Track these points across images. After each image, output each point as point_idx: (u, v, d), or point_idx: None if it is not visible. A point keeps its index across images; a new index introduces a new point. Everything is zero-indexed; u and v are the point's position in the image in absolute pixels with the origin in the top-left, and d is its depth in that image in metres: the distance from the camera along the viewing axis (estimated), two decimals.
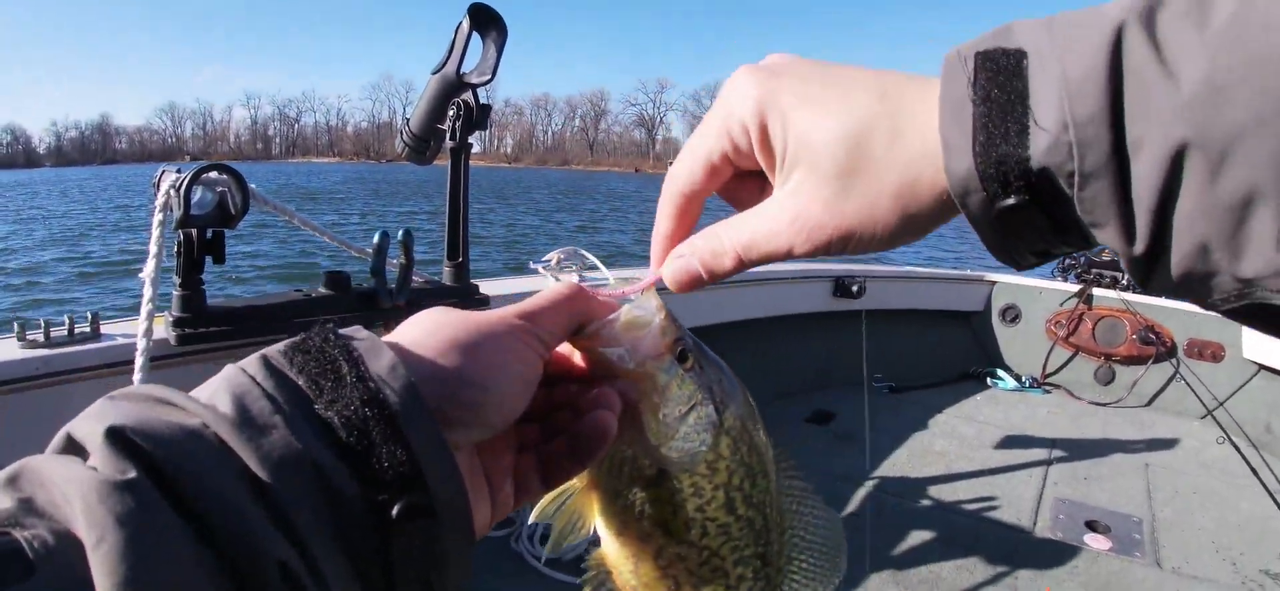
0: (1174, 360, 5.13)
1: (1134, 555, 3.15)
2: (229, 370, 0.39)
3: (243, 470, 0.35)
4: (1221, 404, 4.63)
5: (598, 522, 0.62)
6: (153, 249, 1.89)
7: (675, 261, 0.54)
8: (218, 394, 0.38)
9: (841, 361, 4.85)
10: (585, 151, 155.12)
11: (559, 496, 0.61)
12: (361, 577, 0.38)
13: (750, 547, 0.63)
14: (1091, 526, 3.33)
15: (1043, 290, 5.50)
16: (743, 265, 0.50)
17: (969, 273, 5.74)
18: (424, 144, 2.48)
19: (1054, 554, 3.08)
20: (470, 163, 2.56)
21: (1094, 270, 5.56)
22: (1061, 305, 5.42)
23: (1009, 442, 4.22)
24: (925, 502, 3.38)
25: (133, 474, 0.32)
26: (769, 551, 0.65)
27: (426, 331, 0.46)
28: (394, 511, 0.38)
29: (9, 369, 1.89)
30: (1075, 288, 5.41)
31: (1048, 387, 5.39)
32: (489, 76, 2.30)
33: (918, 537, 3.01)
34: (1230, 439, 4.06)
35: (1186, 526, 3.46)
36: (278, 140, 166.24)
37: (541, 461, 0.53)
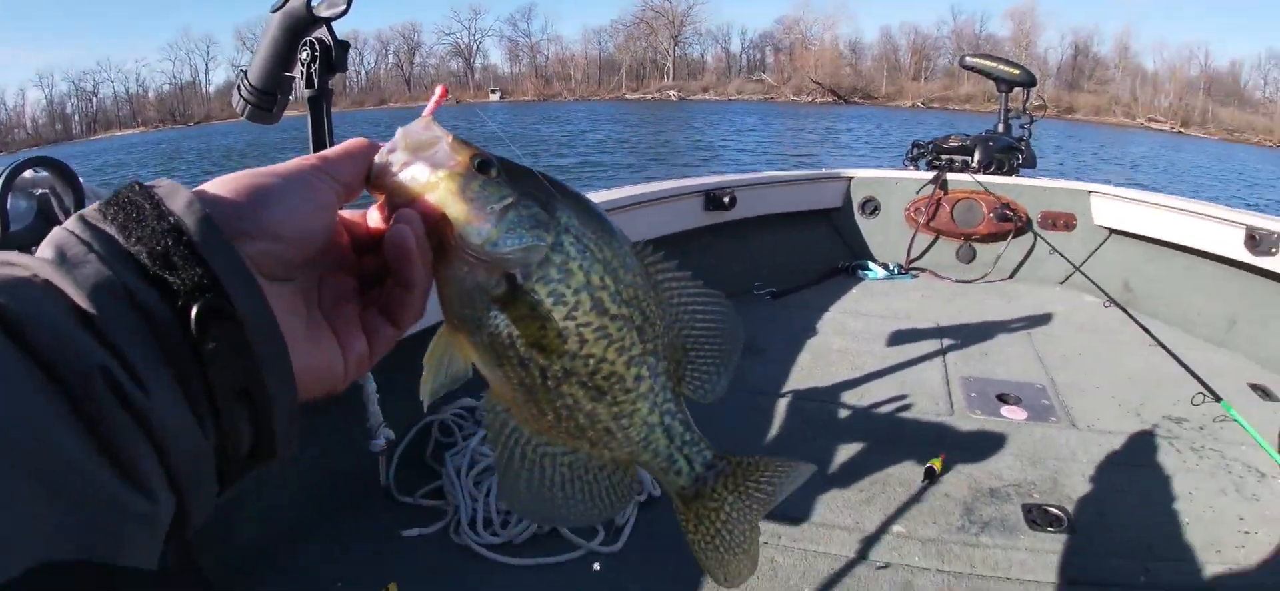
0: (1031, 233, 5.43)
1: (1049, 420, 3.28)
2: (53, 232, 0.43)
3: (69, 305, 0.39)
4: (1078, 269, 4.98)
5: (478, 362, 0.62)
6: None
7: None
8: (42, 249, 0.42)
9: (722, 274, 4.82)
10: (403, 87, 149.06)
11: (434, 351, 0.62)
12: (183, 385, 0.42)
13: (637, 346, 0.63)
14: (1002, 399, 3.45)
15: (899, 180, 5.66)
16: None
17: (826, 171, 5.84)
18: (269, 98, 2.08)
19: (979, 431, 3.17)
20: (286, 114, 2.20)
21: (944, 156, 5.78)
22: (918, 193, 5.58)
23: (898, 331, 4.31)
24: (845, 407, 3.37)
25: None
26: (659, 345, 0.65)
27: (225, 179, 0.50)
28: (194, 312, 0.42)
29: None
30: (929, 175, 5.58)
31: (914, 273, 5.59)
32: (343, 6, 1.93)
33: (852, 443, 3.00)
34: (1112, 299, 4.24)
35: (1084, 386, 3.64)
36: (77, 118, 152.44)
37: (383, 306, 0.59)
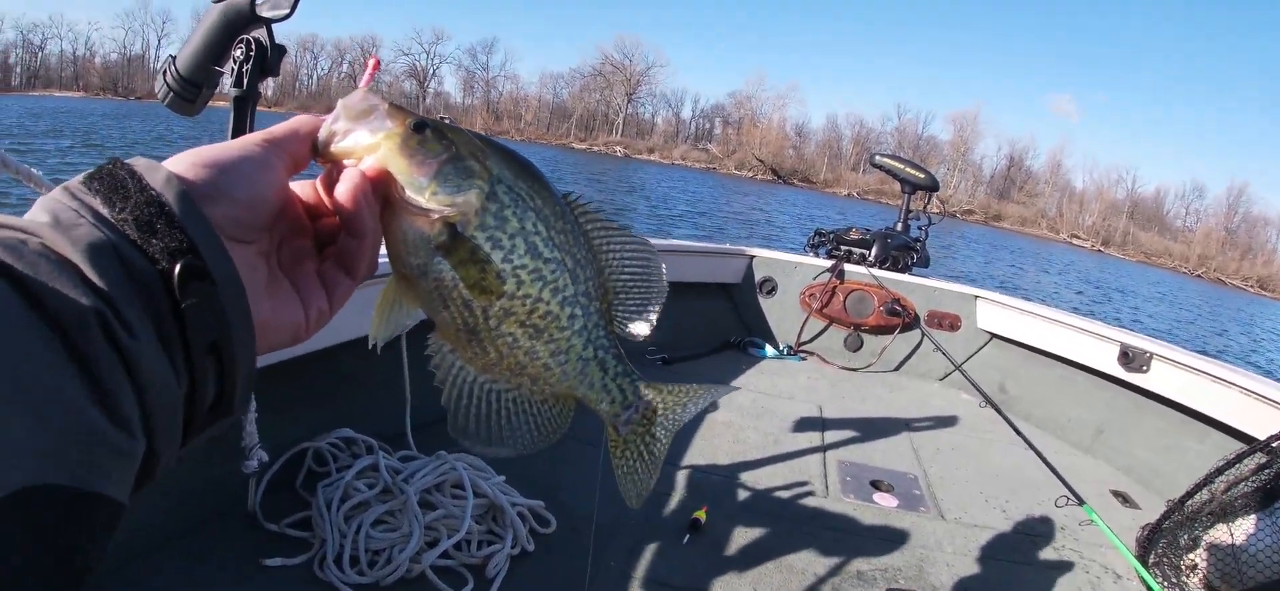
0: (918, 330, 5.65)
1: (918, 510, 3.36)
2: (40, 199, 0.48)
3: (64, 260, 0.44)
4: (958, 368, 5.20)
5: (424, 307, 0.68)
6: None
7: None
8: (36, 213, 0.47)
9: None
10: None
11: (383, 299, 0.69)
12: (162, 337, 0.47)
13: (570, 287, 0.69)
14: (876, 486, 3.57)
15: (798, 265, 5.82)
16: None
17: (730, 247, 5.96)
18: (195, 90, 2.00)
19: (850, 515, 3.27)
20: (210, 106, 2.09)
21: (843, 247, 6.03)
22: (815, 278, 5.75)
23: (782, 411, 4.37)
24: (723, 479, 3.39)
25: None
26: (591, 286, 0.71)
27: (183, 156, 0.56)
28: (177, 271, 0.48)
29: None
30: (828, 263, 5.76)
31: (803, 355, 5.72)
32: (287, 10, 1.88)
33: (725, 517, 3.01)
34: (988, 399, 4.42)
35: (955, 480, 3.77)
36: (19, 69, 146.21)
37: (338, 260, 0.65)
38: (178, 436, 0.50)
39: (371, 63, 0.76)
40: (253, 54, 2.01)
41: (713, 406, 4.25)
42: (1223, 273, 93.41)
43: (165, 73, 2.04)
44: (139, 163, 0.52)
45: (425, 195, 0.63)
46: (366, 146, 0.63)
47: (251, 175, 0.58)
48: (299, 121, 0.64)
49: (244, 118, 2.06)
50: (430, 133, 0.64)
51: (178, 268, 0.48)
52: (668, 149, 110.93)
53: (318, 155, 0.64)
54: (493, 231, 0.65)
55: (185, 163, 0.55)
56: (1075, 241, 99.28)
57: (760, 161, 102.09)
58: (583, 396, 0.77)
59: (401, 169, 0.63)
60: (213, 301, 0.50)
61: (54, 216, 0.46)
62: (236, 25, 1.95)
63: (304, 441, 2.67)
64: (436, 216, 0.63)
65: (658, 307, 0.77)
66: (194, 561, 2.22)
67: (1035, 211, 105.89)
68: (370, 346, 0.70)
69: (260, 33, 2.00)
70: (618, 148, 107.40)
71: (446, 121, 0.67)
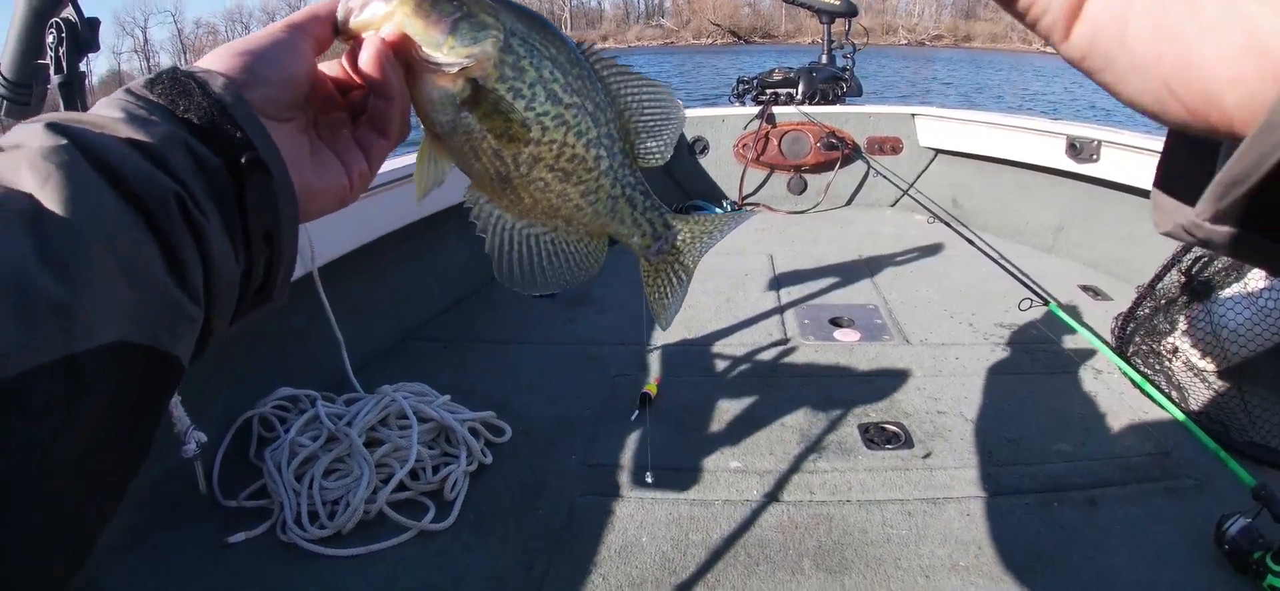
0: (860, 160, 5.56)
1: (882, 339, 3.32)
2: (106, 99, 0.52)
3: (142, 146, 0.48)
4: (906, 191, 5.15)
5: (457, 161, 0.71)
6: None
7: None
8: (107, 109, 0.51)
9: None
10: None
11: (419, 160, 0.71)
12: (227, 222, 0.52)
13: (593, 130, 0.72)
14: (836, 323, 3.48)
15: (726, 118, 5.70)
16: None
17: None
18: (26, 91, 1.95)
19: (812, 358, 3.23)
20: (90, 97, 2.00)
21: (768, 90, 5.83)
22: (745, 128, 5.64)
23: (734, 268, 4.30)
24: (679, 348, 3.33)
25: (64, 141, 0.45)
26: (613, 129, 0.74)
27: (216, 54, 0.59)
28: (244, 161, 0.53)
29: None
30: (755, 110, 5.63)
31: (748, 208, 5.62)
32: None
33: (685, 385, 2.97)
34: (942, 216, 4.35)
35: (917, 303, 3.73)
36: None
37: (371, 122, 0.68)
38: (230, 314, 0.55)
39: None
40: (64, 35, 1.93)
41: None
42: None
43: None
44: (197, 68, 0.56)
45: (443, 51, 0.65)
46: (383, 15, 0.64)
47: (281, 57, 0.62)
48: (316, 5, 0.67)
49: (73, 105, 1.96)
50: None
51: (244, 159, 0.53)
52: (621, 33, 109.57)
53: (339, 34, 0.66)
54: (512, 82, 0.67)
55: (222, 58, 0.59)
56: (1051, 49, 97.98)
57: (717, 26, 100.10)
58: (614, 232, 0.81)
59: (418, 30, 0.64)
60: (269, 193, 0.55)
61: (127, 112, 0.50)
62: (44, 10, 1.90)
63: (246, 411, 2.63)
64: (457, 71, 0.65)
65: (674, 138, 0.81)
66: (159, 557, 2.18)
67: (1004, 26, 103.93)
68: (417, 201, 0.75)
69: (67, 11, 1.92)
70: None
71: None
